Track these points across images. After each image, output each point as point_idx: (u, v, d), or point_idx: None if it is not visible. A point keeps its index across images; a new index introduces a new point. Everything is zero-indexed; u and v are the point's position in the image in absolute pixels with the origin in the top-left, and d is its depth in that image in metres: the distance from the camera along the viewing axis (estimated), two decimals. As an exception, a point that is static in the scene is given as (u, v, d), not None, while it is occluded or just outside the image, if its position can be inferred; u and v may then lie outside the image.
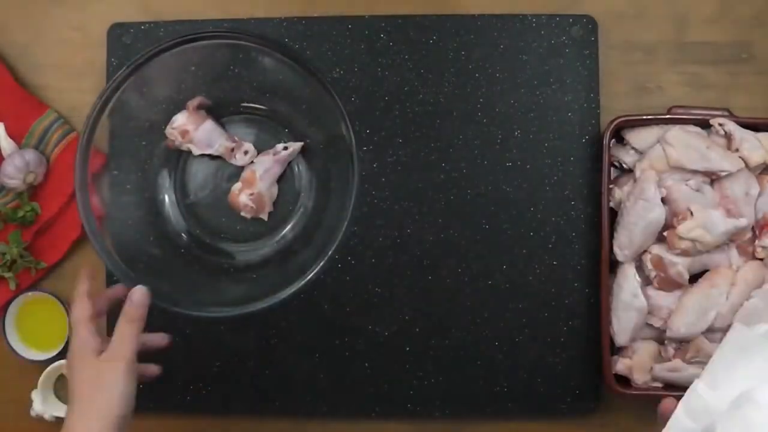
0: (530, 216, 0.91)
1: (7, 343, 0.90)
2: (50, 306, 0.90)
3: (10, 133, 0.91)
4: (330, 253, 0.76)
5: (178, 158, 0.89)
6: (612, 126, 0.87)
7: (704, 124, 0.88)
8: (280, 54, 0.78)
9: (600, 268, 0.87)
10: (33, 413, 0.90)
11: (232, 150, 0.88)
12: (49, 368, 0.89)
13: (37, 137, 0.92)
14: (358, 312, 0.91)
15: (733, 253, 0.86)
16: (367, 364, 0.91)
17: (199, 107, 0.87)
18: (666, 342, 0.87)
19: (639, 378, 0.86)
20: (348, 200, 0.76)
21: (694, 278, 0.86)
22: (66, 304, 0.90)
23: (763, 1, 0.93)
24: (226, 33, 0.78)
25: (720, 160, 0.85)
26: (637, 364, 0.86)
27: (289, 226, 0.89)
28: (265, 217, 0.88)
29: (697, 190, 0.86)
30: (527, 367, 0.90)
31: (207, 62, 0.83)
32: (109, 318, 0.80)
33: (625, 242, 0.86)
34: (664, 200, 0.85)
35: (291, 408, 0.91)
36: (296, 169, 0.89)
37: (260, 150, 0.88)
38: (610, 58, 0.92)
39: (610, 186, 0.88)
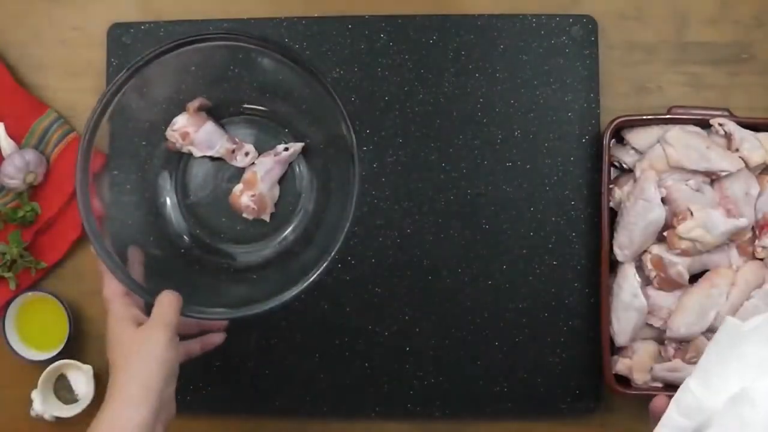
0: (530, 216, 0.91)
1: (7, 343, 0.90)
2: (50, 306, 0.90)
3: (10, 133, 0.91)
4: (332, 254, 0.76)
5: (179, 160, 0.89)
6: (612, 126, 0.87)
7: (704, 124, 0.88)
8: (280, 55, 0.78)
9: (600, 268, 0.87)
10: (33, 413, 0.90)
11: (233, 151, 0.88)
12: (49, 368, 0.89)
13: (37, 137, 0.92)
14: (358, 312, 0.91)
15: (733, 253, 0.86)
16: (367, 364, 0.91)
17: (200, 109, 0.87)
18: (666, 342, 0.87)
19: (639, 378, 0.86)
20: (349, 201, 0.76)
21: (694, 278, 0.86)
22: (66, 304, 0.90)
23: (763, 1, 0.93)
24: (226, 35, 0.78)
25: (720, 160, 0.85)
26: (637, 364, 0.86)
27: (290, 227, 0.88)
28: (266, 218, 0.88)
29: (697, 190, 0.86)
30: (527, 367, 0.90)
31: (207, 63, 0.83)
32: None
33: (625, 242, 0.86)
34: (664, 200, 0.85)
35: (291, 408, 0.91)
36: (297, 169, 0.89)
37: (261, 151, 0.88)
38: (610, 58, 0.92)
39: (610, 186, 0.88)
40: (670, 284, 0.86)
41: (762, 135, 0.87)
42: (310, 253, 0.82)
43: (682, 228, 0.84)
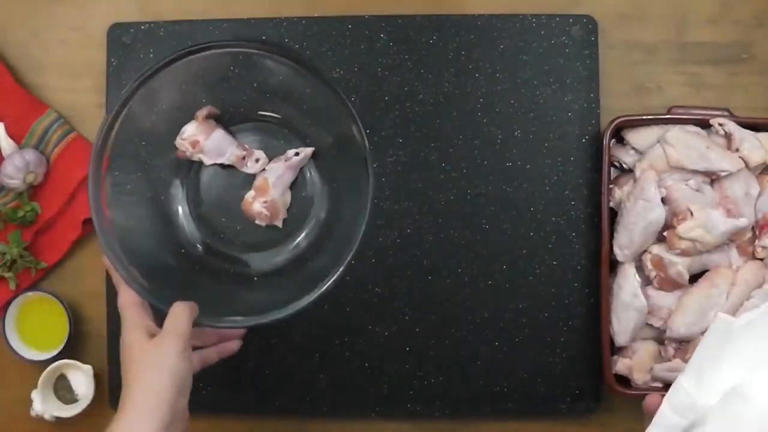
0: (530, 216, 0.91)
1: (7, 343, 0.90)
2: (50, 306, 0.90)
3: (10, 133, 0.91)
4: (347, 261, 0.75)
5: (189, 168, 0.88)
6: (612, 126, 0.87)
7: (704, 124, 0.88)
8: (287, 59, 0.78)
9: (600, 268, 0.87)
10: (33, 413, 0.90)
11: (243, 158, 0.87)
12: (49, 368, 0.89)
13: (37, 137, 0.92)
14: (358, 312, 0.91)
15: (733, 253, 0.86)
16: (367, 364, 0.91)
17: (208, 116, 0.86)
18: (666, 342, 0.87)
19: (639, 378, 0.86)
20: (363, 207, 0.75)
21: (694, 278, 0.86)
22: (66, 304, 0.90)
23: (763, 1, 0.93)
24: (233, 42, 0.77)
25: (720, 160, 0.85)
26: (637, 364, 0.86)
27: (303, 233, 0.88)
28: (279, 224, 0.87)
29: (697, 190, 0.86)
30: (527, 367, 0.90)
31: (213, 70, 0.82)
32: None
33: (625, 242, 0.86)
34: (664, 200, 0.85)
35: (291, 408, 0.91)
36: (308, 174, 0.88)
37: (271, 157, 0.88)
38: (610, 58, 0.92)
39: (610, 186, 0.88)
40: (670, 284, 0.86)
41: (762, 135, 0.87)
42: (323, 259, 0.81)
43: (682, 228, 0.84)
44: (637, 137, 0.88)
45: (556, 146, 0.91)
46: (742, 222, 0.84)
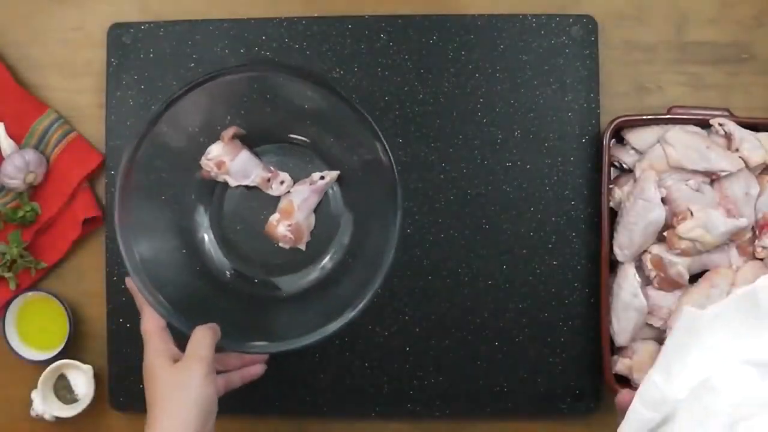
0: (530, 216, 0.91)
1: (7, 343, 0.90)
2: (50, 306, 0.90)
3: (10, 133, 0.91)
4: (374, 289, 0.75)
5: (212, 192, 0.88)
6: (612, 126, 0.87)
7: (704, 124, 0.88)
8: (312, 82, 0.77)
9: (600, 268, 0.87)
10: (33, 413, 0.90)
11: (269, 180, 0.86)
12: (49, 368, 0.89)
13: (37, 137, 0.92)
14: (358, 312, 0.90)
15: (733, 253, 0.86)
16: (367, 364, 0.91)
17: (234, 137, 0.85)
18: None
19: (639, 378, 0.86)
20: (392, 230, 0.75)
21: (694, 278, 0.86)
22: (65, 303, 0.90)
23: (763, 1, 0.93)
24: (258, 66, 0.78)
25: (720, 160, 0.85)
26: (637, 364, 0.86)
27: (328, 256, 0.87)
28: (303, 247, 0.87)
29: (697, 190, 0.86)
30: (527, 367, 0.90)
31: (237, 92, 0.81)
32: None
33: (625, 242, 0.86)
34: (664, 200, 0.85)
35: (291, 408, 0.91)
36: (332, 196, 0.88)
37: (295, 179, 0.87)
38: (610, 58, 0.92)
39: (610, 186, 0.88)
40: (670, 284, 0.86)
41: (762, 135, 0.87)
42: (349, 283, 0.81)
43: (682, 228, 0.84)
44: (637, 137, 0.88)
45: (556, 146, 0.91)
46: (742, 222, 0.84)
